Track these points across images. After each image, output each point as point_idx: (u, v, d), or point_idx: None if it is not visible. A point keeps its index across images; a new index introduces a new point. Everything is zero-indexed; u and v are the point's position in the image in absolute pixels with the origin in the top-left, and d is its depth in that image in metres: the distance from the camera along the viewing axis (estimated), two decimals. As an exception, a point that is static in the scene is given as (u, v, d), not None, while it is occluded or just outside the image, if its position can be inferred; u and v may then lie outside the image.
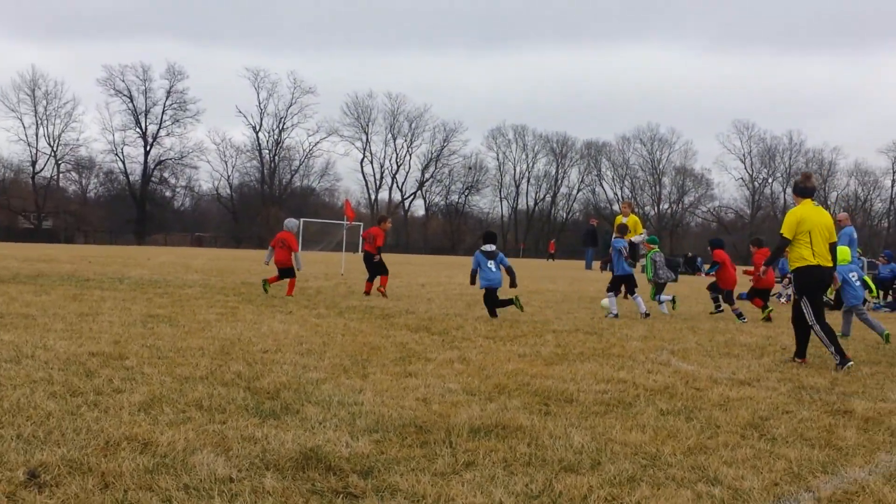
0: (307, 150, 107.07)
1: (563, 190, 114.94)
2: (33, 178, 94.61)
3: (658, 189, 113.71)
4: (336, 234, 58.02)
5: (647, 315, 14.97)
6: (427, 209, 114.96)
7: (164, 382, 6.82)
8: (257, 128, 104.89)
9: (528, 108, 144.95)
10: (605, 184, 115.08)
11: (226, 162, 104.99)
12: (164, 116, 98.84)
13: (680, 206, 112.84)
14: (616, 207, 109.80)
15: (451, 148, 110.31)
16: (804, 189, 10.11)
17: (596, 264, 40.25)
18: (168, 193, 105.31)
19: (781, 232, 9.94)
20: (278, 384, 6.94)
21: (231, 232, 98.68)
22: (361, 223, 62.59)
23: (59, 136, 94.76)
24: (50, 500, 3.95)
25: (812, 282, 9.82)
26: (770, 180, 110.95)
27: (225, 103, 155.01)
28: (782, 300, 20.60)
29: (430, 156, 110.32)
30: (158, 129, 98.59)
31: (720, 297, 16.39)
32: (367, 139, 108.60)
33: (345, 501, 4.15)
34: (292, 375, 7.40)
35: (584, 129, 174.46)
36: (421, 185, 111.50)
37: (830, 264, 9.86)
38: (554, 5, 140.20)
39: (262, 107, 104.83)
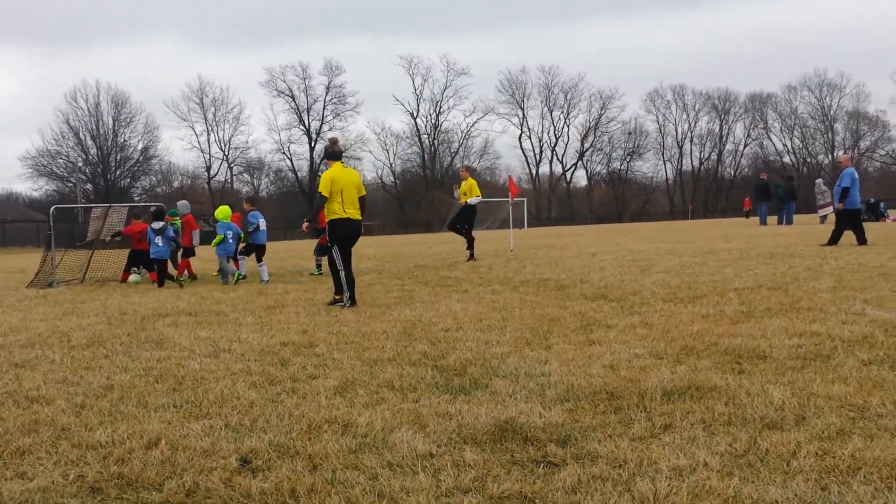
0: (465, 132, 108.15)
1: (729, 146, 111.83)
2: (209, 182, 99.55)
3: (830, 136, 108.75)
4: (501, 212, 58.14)
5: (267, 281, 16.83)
6: (589, 179, 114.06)
7: (355, 366, 7.01)
8: (415, 114, 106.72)
9: (685, 66, 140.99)
10: (772, 136, 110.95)
11: (387, 150, 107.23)
12: (325, 112, 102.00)
13: (856, 151, 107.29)
14: (787, 159, 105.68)
15: (608, 115, 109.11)
16: (333, 153, 11.99)
17: (772, 219, 38.84)
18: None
19: (320, 191, 11.50)
20: (464, 360, 7.01)
21: (398, 218, 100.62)
22: (525, 199, 62.48)
23: (230, 140, 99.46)
24: (264, 483, 4.11)
25: (344, 232, 11.63)
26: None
27: (382, 93, 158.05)
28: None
29: (588, 125, 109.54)
30: (321, 125, 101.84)
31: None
32: (524, 114, 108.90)
33: (546, 470, 4.15)
34: (476, 351, 7.46)
35: (746, 82, 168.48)
36: (581, 155, 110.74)
37: (360, 217, 11.83)
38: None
39: (418, 93, 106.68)
